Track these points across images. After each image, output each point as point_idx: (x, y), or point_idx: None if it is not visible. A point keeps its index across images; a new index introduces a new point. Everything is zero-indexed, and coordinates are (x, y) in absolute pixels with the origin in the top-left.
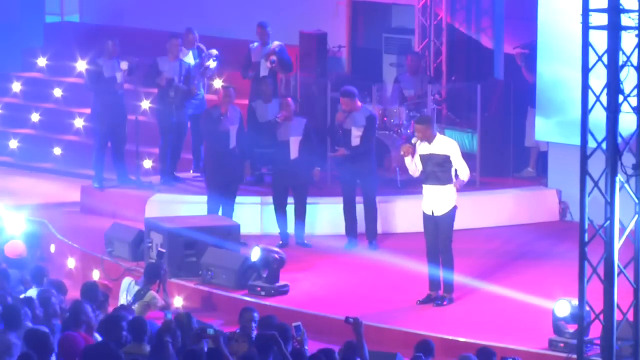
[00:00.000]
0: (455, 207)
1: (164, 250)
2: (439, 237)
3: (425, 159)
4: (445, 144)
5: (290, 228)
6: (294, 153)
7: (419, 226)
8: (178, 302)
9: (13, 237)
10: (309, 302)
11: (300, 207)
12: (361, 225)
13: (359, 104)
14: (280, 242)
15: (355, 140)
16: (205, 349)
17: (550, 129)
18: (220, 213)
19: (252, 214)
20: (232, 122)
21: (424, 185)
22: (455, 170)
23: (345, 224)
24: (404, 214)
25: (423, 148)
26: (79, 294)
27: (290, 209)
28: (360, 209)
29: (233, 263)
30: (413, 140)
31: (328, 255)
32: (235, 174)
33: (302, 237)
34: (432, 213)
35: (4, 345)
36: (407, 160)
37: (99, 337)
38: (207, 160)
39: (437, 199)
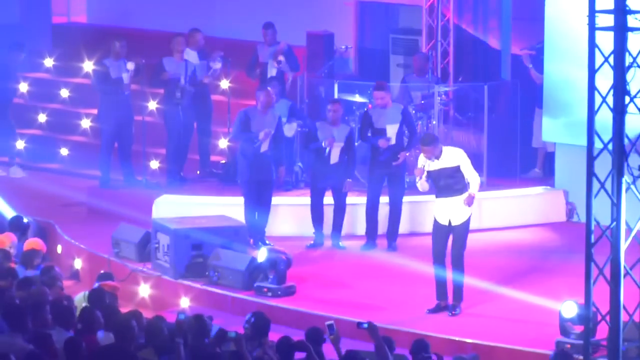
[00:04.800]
0: (470, 214)
1: None
2: (453, 245)
3: (436, 174)
4: (454, 155)
5: (327, 230)
6: (334, 158)
7: (426, 228)
8: (185, 302)
9: (21, 238)
10: (316, 304)
11: (338, 209)
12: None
13: (390, 99)
14: (312, 242)
15: (391, 139)
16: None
17: (557, 130)
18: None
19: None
20: (268, 126)
21: (438, 199)
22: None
23: (366, 225)
24: (410, 216)
25: (432, 164)
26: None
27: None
28: (382, 209)
29: (240, 264)
30: (421, 164)
31: (334, 256)
32: (266, 177)
33: (337, 239)
34: (450, 223)
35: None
36: (417, 180)
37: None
38: (239, 163)
39: (454, 209)
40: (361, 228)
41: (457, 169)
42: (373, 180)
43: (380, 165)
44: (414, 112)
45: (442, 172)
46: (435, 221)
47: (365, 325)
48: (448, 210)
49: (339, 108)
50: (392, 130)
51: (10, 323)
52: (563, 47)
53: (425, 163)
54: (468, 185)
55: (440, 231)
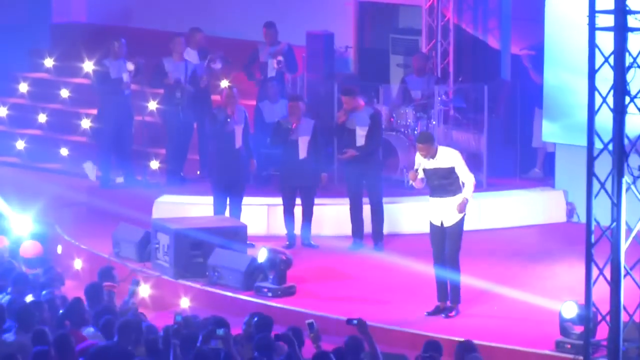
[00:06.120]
0: (464, 216)
1: None
2: (447, 247)
3: (430, 173)
4: (449, 156)
5: (297, 229)
6: (302, 153)
7: (426, 227)
8: (185, 303)
9: (21, 238)
10: (316, 303)
11: (307, 208)
12: (367, 226)
13: (362, 102)
14: (287, 243)
15: (360, 140)
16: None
17: (557, 131)
18: (227, 214)
19: (259, 215)
20: (237, 123)
21: (430, 198)
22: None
23: (351, 225)
24: (411, 215)
25: (427, 163)
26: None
27: (297, 210)
28: (366, 209)
29: (240, 264)
30: (416, 166)
31: (334, 257)
32: (241, 174)
33: (308, 238)
34: (442, 224)
35: (18, 346)
36: (410, 182)
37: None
38: (212, 161)
39: (446, 210)
40: (346, 228)
41: (451, 170)
42: (351, 180)
43: (353, 166)
44: (413, 113)
45: (436, 172)
46: (430, 222)
47: (355, 322)
48: (440, 210)
49: (294, 105)
50: (361, 132)
51: (17, 322)
52: (563, 48)
53: (420, 161)
54: (463, 186)
55: (435, 232)
